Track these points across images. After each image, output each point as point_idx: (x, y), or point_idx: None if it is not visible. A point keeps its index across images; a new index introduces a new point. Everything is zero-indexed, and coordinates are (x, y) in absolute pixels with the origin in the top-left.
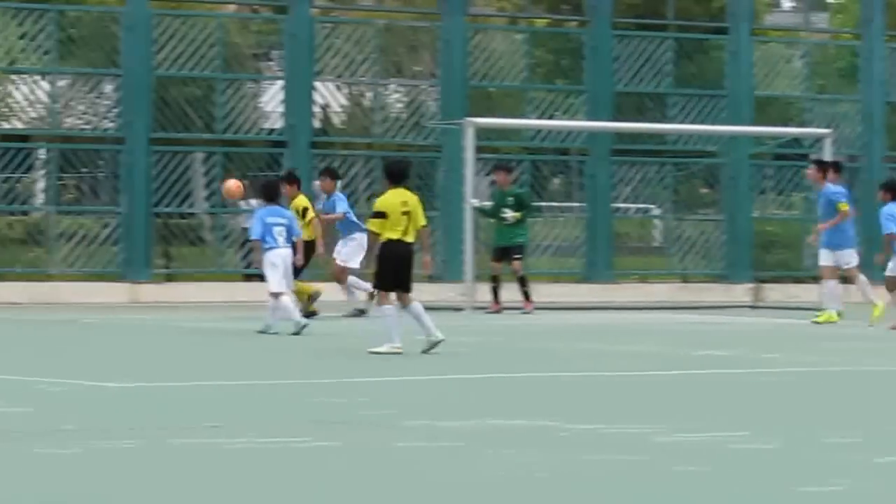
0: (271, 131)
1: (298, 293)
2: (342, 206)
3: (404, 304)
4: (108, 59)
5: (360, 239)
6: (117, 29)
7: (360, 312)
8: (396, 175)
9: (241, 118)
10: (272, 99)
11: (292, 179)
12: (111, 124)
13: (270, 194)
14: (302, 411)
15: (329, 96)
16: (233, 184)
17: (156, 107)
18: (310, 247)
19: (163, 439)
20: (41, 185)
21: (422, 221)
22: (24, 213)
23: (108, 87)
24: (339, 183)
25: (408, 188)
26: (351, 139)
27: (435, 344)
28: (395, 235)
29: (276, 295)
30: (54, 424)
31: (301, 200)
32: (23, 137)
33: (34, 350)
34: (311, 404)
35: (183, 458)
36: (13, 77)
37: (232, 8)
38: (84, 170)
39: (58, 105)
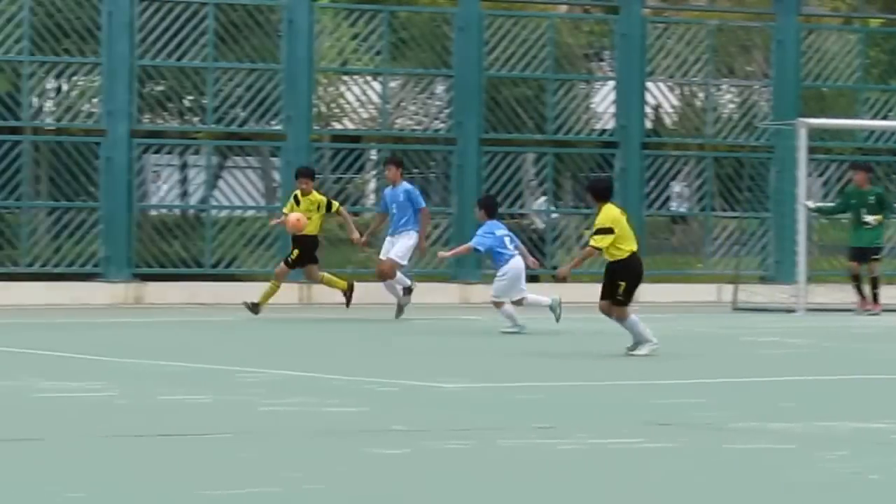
0: (602, 132)
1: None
2: (419, 199)
3: (622, 319)
4: (439, 60)
5: (415, 238)
6: (449, 29)
7: (401, 309)
8: (604, 192)
9: (572, 119)
10: (603, 100)
11: (309, 174)
12: (442, 125)
13: (492, 209)
14: (634, 412)
15: (661, 97)
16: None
17: (486, 107)
18: (312, 241)
19: (492, 440)
20: (372, 185)
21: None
22: (356, 214)
23: (439, 88)
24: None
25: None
26: (682, 140)
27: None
28: (634, 247)
29: (498, 304)
30: (385, 424)
31: (318, 196)
32: (354, 138)
33: (365, 350)
34: (644, 405)
35: (512, 459)
36: (345, 78)
37: (563, 8)
38: (415, 170)
39: (389, 106)
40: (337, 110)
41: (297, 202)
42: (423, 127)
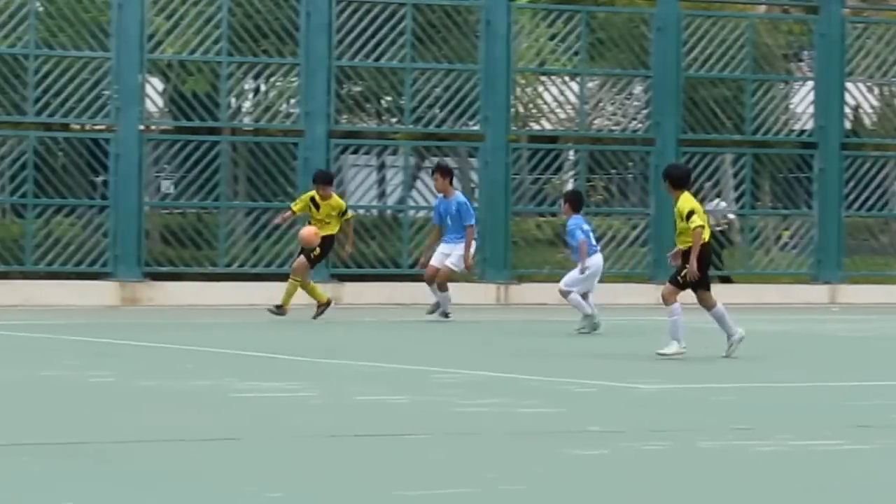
0: (801, 133)
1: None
2: (468, 215)
3: (710, 307)
4: (637, 60)
5: (472, 247)
6: (647, 30)
7: (446, 315)
8: (681, 180)
9: (771, 119)
10: (802, 100)
11: (328, 180)
12: (640, 125)
13: (579, 204)
14: (833, 414)
15: (860, 97)
16: (311, 232)
17: (685, 108)
18: (329, 241)
19: (690, 441)
20: (569, 186)
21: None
22: (553, 215)
23: (637, 89)
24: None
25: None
26: (882, 140)
27: (738, 342)
28: (707, 237)
29: (565, 293)
30: (582, 425)
31: (338, 201)
32: (552, 139)
33: (562, 351)
34: (842, 407)
35: (710, 461)
36: (543, 78)
37: (762, 9)
38: (613, 171)
39: (587, 106)
40: (534, 111)
41: (317, 206)
42: (621, 127)
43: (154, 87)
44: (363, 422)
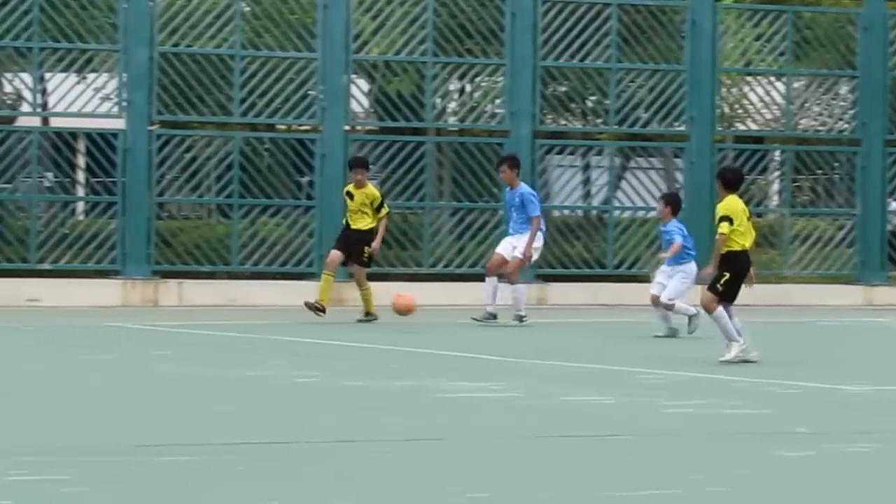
0: None
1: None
2: (532, 206)
3: (709, 310)
4: (843, 61)
5: (541, 239)
6: (853, 30)
7: (521, 319)
8: (733, 182)
9: None
10: None
11: (364, 164)
12: (846, 126)
13: (678, 207)
14: None
15: None
16: (405, 301)
17: (892, 108)
18: (366, 236)
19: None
20: (775, 186)
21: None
22: (759, 216)
23: (843, 89)
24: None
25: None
26: None
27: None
28: (748, 244)
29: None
30: (789, 426)
31: (373, 191)
32: (757, 139)
33: (768, 352)
34: None
35: None
36: (748, 78)
37: None
38: (819, 171)
39: (793, 106)
40: (740, 111)
41: (351, 196)
42: (827, 128)
43: (359, 88)
44: (568, 422)
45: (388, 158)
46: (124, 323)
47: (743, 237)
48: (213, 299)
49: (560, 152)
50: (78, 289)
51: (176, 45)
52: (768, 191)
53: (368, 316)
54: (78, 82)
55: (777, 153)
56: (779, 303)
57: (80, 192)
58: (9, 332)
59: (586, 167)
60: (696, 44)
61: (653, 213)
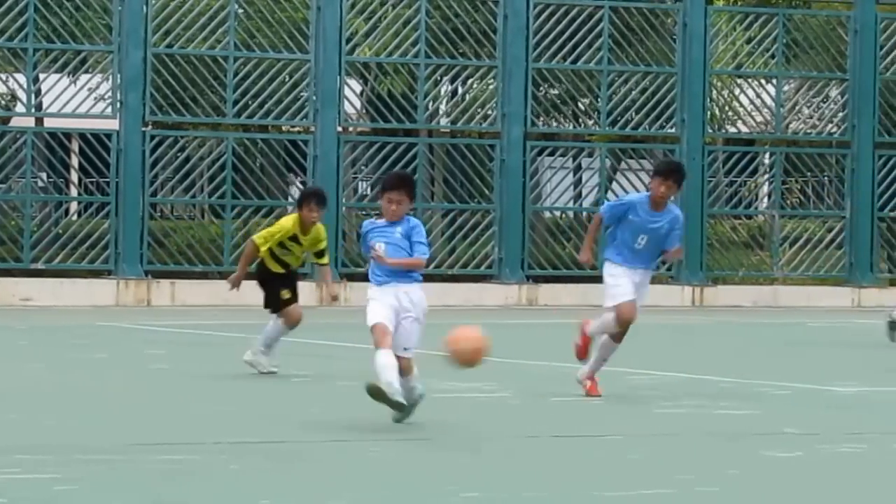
0: None
1: None
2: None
3: None
4: (833, 63)
5: None
6: (844, 32)
7: None
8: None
9: None
10: None
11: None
12: (836, 128)
13: None
14: None
15: None
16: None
17: (882, 111)
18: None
19: (887, 444)
20: (765, 188)
21: None
22: (749, 217)
23: (833, 91)
24: None
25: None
26: None
27: None
28: None
29: None
30: (777, 427)
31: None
32: (748, 142)
33: (759, 354)
34: None
35: None
36: (739, 81)
37: None
38: (809, 174)
39: (783, 109)
40: (730, 113)
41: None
42: (817, 130)
43: (352, 89)
44: (560, 423)
45: (380, 159)
46: (117, 322)
47: None
48: (206, 299)
49: (552, 154)
50: (71, 288)
51: (170, 46)
52: (758, 192)
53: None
54: (72, 83)
55: (767, 155)
56: (769, 304)
57: (74, 192)
58: (2, 332)
59: (577, 169)
60: (687, 46)
61: None
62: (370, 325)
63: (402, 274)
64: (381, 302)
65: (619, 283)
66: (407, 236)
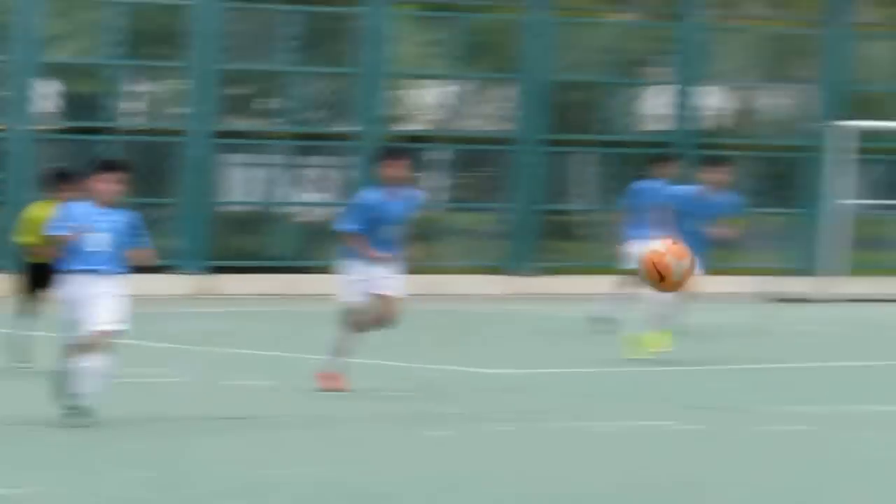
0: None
1: None
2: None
3: None
4: (508, 65)
5: None
6: (518, 36)
7: None
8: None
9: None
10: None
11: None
12: (505, 127)
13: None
14: (674, 396)
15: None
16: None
17: (552, 110)
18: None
19: (537, 423)
20: (437, 183)
21: None
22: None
23: (505, 92)
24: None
25: None
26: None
27: None
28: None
29: None
30: (433, 408)
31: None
32: (425, 139)
33: (416, 338)
34: (685, 390)
35: (554, 441)
36: (417, 81)
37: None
38: (480, 170)
39: (458, 108)
40: (413, 112)
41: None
42: (488, 128)
43: (48, 89)
44: (230, 406)
45: (70, 158)
46: None
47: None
48: None
49: (238, 151)
50: None
51: None
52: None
53: None
54: None
55: (438, 153)
56: (431, 292)
57: None
58: None
59: (261, 165)
60: (369, 48)
61: (325, 210)
62: None
63: None
64: None
65: None
66: None
